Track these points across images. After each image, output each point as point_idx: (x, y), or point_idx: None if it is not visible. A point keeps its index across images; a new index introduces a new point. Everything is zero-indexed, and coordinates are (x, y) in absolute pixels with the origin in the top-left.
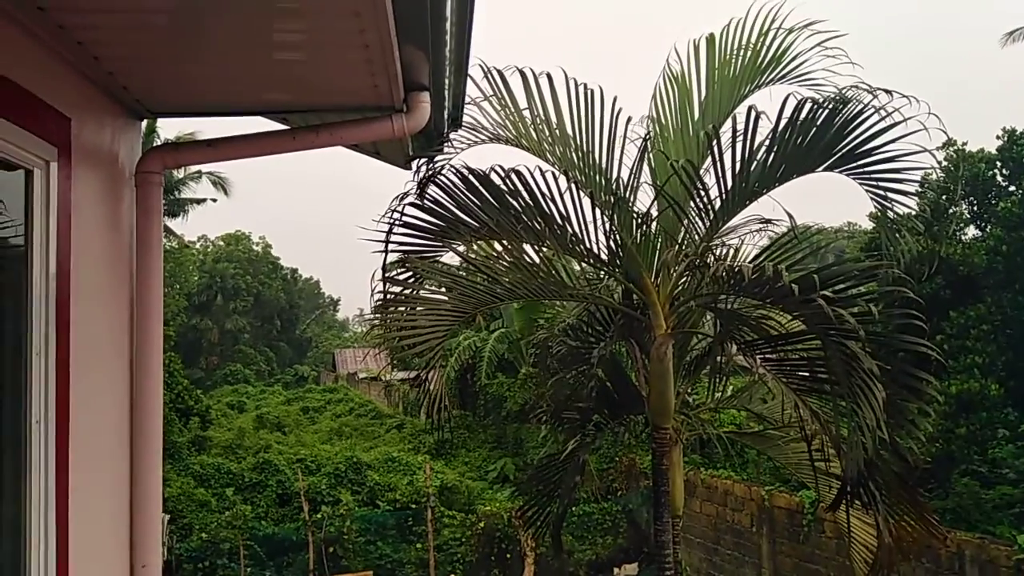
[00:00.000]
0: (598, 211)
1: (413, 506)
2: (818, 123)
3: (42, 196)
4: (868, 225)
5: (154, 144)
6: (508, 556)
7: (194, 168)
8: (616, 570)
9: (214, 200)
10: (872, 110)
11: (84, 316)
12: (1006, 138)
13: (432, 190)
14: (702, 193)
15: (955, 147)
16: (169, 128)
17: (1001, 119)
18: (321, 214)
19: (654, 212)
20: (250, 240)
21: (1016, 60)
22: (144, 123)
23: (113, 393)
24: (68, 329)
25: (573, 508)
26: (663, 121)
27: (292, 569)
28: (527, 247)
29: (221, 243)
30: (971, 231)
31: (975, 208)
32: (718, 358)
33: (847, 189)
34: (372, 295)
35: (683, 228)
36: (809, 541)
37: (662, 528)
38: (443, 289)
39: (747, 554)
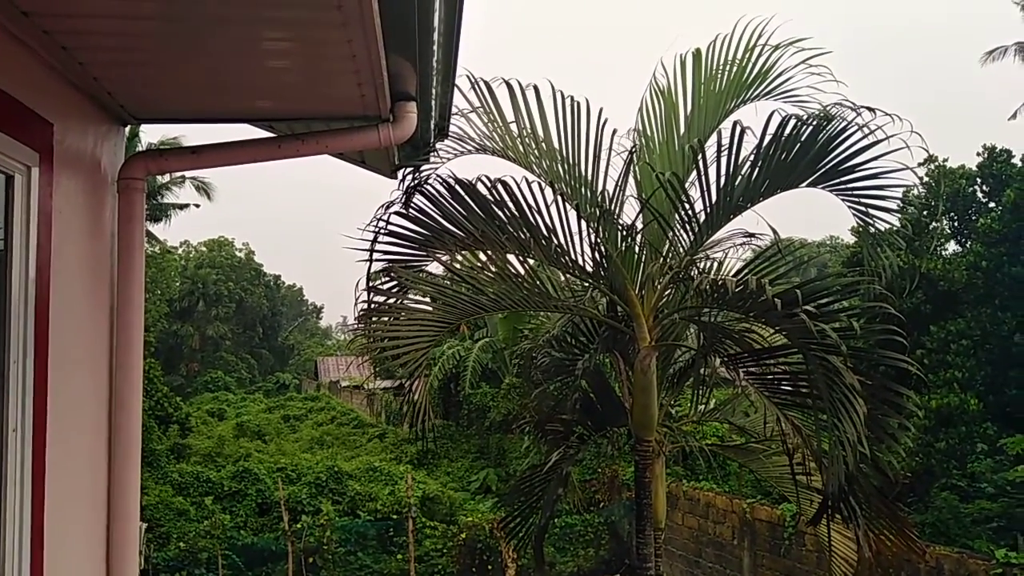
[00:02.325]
0: (584, 223)
1: (394, 516)
2: (802, 139)
3: (23, 202)
4: (850, 239)
5: (137, 149)
6: (489, 567)
7: (178, 173)
8: None
9: (197, 205)
10: (855, 127)
11: (63, 323)
12: (986, 155)
13: (418, 199)
14: (687, 206)
15: (936, 164)
16: (153, 132)
17: (981, 136)
18: (305, 221)
19: (639, 225)
20: (233, 246)
21: (996, 78)
22: (127, 128)
23: (92, 401)
24: (47, 336)
25: (555, 519)
26: (649, 134)
27: None
28: (512, 258)
29: (204, 249)
30: (951, 247)
31: (955, 224)
32: (701, 371)
33: (830, 203)
34: (356, 304)
35: (668, 241)
36: (790, 554)
37: (644, 541)
38: (427, 299)
39: (728, 567)
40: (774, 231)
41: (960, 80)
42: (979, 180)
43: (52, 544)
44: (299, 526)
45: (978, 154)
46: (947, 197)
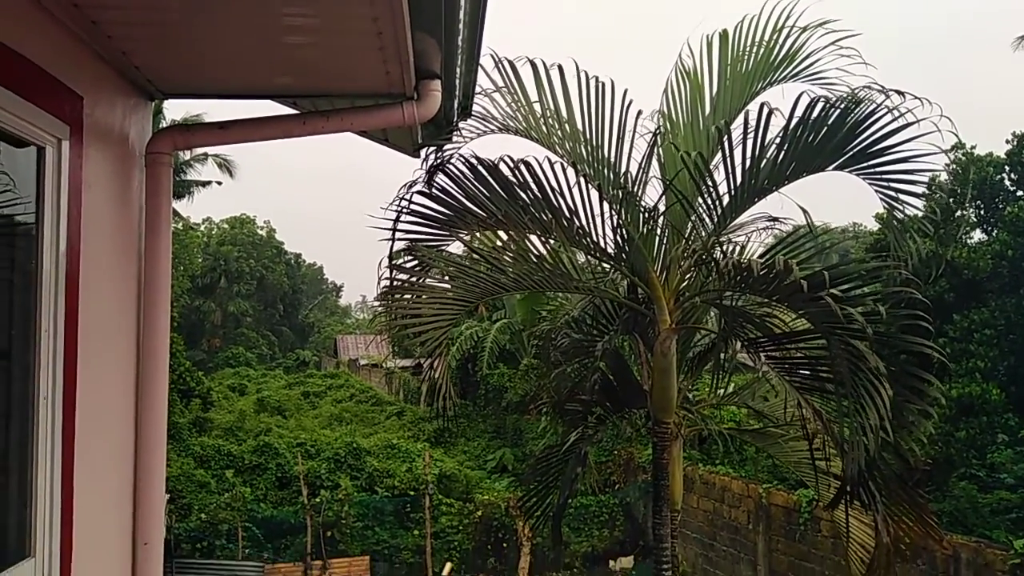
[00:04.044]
0: (606, 205)
1: (411, 493)
2: (830, 122)
3: (53, 173)
4: (874, 225)
5: (161, 126)
6: (504, 545)
7: (200, 150)
8: (611, 563)
9: (219, 183)
10: (884, 110)
11: (93, 295)
12: (1015, 142)
13: (440, 179)
14: (711, 188)
15: (964, 151)
16: (175, 110)
17: (1011, 123)
18: (326, 200)
19: (662, 207)
20: (255, 224)
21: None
22: (153, 104)
23: (120, 372)
24: (76, 307)
25: (571, 500)
26: (674, 117)
27: (290, 552)
28: (533, 238)
29: (226, 226)
30: (977, 235)
31: (982, 212)
32: (721, 355)
33: (852, 189)
34: (379, 282)
35: (691, 223)
36: (805, 540)
37: (661, 522)
38: (448, 278)
39: (743, 551)
40: (805, 213)
41: (989, 67)
42: (1007, 168)
43: (81, 511)
44: (318, 500)
45: (1007, 141)
46: (974, 185)
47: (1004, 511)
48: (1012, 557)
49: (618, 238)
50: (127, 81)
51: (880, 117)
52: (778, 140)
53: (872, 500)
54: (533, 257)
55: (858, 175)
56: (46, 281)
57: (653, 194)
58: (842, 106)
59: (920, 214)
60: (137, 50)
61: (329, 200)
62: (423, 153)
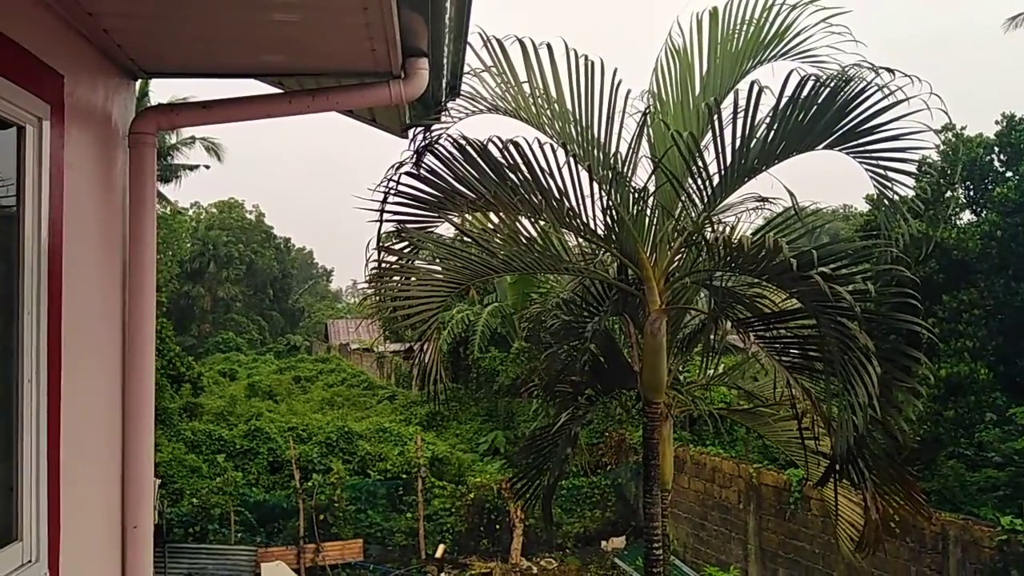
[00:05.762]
0: (596, 185)
1: (403, 476)
2: (820, 101)
3: (34, 154)
4: (864, 207)
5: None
6: (497, 527)
7: (187, 133)
8: (604, 543)
9: (207, 167)
10: (875, 88)
11: (76, 277)
12: (1005, 123)
13: (429, 159)
14: (701, 168)
15: (954, 131)
16: (161, 94)
17: (1000, 104)
18: (316, 183)
19: (652, 187)
20: (243, 208)
21: (1018, 45)
22: (137, 84)
23: (105, 355)
24: (60, 288)
25: (563, 481)
26: (664, 96)
27: (282, 536)
28: (523, 220)
29: (214, 210)
30: (967, 216)
31: (971, 193)
32: (711, 335)
33: (843, 172)
34: (367, 264)
35: (680, 204)
36: (795, 519)
37: (651, 501)
38: (438, 260)
39: (734, 530)
40: (791, 194)
41: (978, 47)
42: (996, 149)
43: (68, 494)
44: (310, 484)
45: (996, 122)
46: (964, 165)
47: (991, 489)
48: (999, 534)
49: (608, 219)
50: (109, 60)
51: (870, 95)
52: (768, 119)
53: (861, 478)
54: (523, 239)
55: (848, 154)
56: (28, 263)
57: (643, 174)
58: (832, 84)
59: (911, 194)
60: (119, 28)
61: (319, 183)
62: (411, 134)
